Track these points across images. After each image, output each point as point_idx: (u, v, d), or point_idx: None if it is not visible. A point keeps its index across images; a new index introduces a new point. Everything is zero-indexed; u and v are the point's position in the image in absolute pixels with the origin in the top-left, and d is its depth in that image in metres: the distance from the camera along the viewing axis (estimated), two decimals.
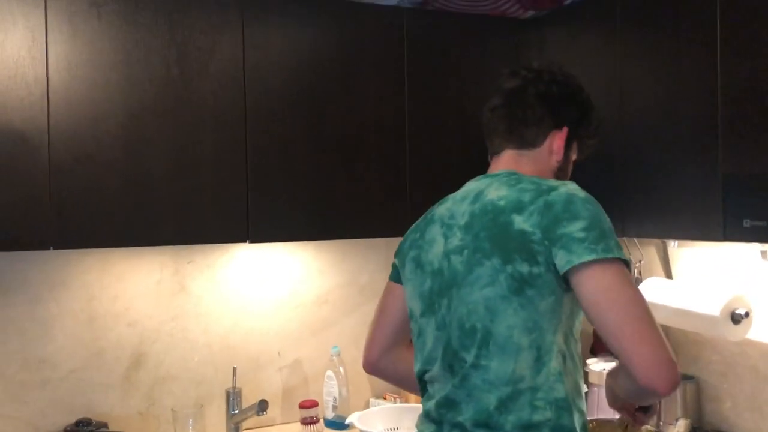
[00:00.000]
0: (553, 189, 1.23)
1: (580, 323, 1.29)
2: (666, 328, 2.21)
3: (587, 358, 2.24)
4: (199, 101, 1.90)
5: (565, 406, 1.20)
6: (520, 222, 1.21)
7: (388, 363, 1.51)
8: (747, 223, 1.55)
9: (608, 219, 1.22)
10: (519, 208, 1.23)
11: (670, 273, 2.19)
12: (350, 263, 2.43)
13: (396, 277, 1.48)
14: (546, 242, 1.18)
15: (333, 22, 2.07)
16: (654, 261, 2.25)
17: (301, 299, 2.37)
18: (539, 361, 1.20)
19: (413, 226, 1.47)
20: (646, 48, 1.88)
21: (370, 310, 1.56)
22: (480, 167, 1.46)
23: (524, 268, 1.19)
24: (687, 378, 2.10)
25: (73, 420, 2.03)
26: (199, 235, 1.92)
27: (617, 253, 1.16)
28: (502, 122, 1.41)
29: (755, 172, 1.55)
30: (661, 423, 2.10)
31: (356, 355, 2.33)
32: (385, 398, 2.41)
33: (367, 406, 2.39)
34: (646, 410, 1.39)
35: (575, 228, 1.17)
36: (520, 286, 1.19)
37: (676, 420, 2.06)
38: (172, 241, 1.91)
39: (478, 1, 2.35)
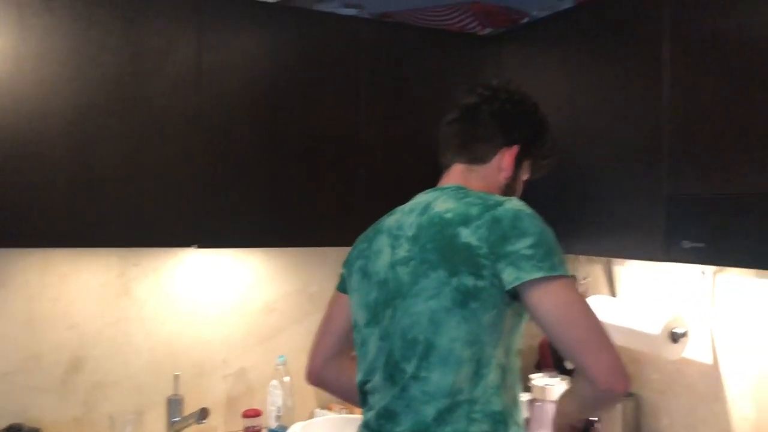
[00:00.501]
0: (499, 204, 1.25)
1: (521, 339, 1.31)
2: None
3: (531, 374, 2.26)
4: (152, 102, 1.87)
5: (502, 419, 1.21)
6: (466, 235, 1.22)
7: (331, 373, 1.50)
8: (687, 245, 1.60)
9: (554, 235, 1.24)
10: (466, 221, 1.24)
11: (614, 291, 2.24)
12: (300, 272, 2.42)
13: (343, 287, 1.48)
14: (492, 257, 1.19)
15: (291, 29, 2.07)
16: (599, 279, 2.29)
17: (249, 307, 2.34)
18: (478, 374, 1.21)
19: (362, 236, 1.47)
20: (598, 70, 1.92)
21: (318, 320, 1.54)
22: (433, 181, 1.46)
23: (469, 281, 1.20)
24: (627, 395, 2.14)
25: (3, 425, 1.96)
26: (146, 238, 1.88)
27: (562, 270, 1.19)
28: (455, 137, 1.43)
29: (696, 195, 1.60)
30: None
31: (303, 365, 2.26)
32: (330, 409, 2.40)
33: (312, 416, 2.37)
34: None
35: (523, 245, 1.19)
36: (464, 299, 1.20)
37: None
38: (118, 243, 1.87)
39: (438, 16, 2.38)
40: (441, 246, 1.24)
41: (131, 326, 2.16)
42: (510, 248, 1.19)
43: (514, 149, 1.41)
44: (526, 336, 1.34)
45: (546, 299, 1.18)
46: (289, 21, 2.07)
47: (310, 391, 2.38)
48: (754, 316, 1.83)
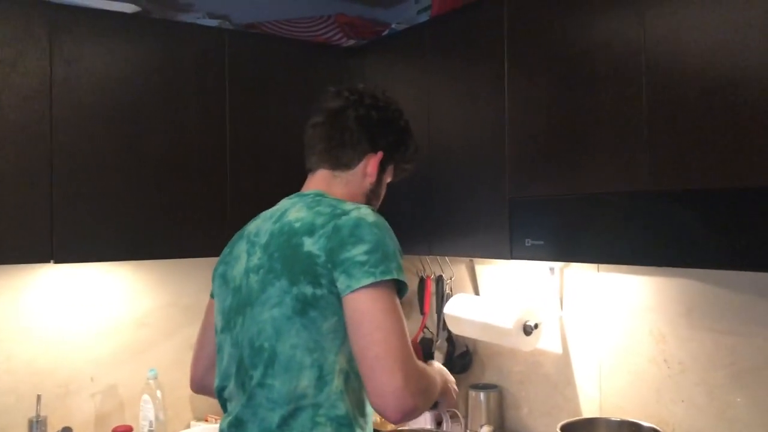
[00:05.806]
0: (345, 213, 1.27)
1: None
2: (474, 341, 2.37)
3: None
4: (1, 114, 1.81)
5: (346, 422, 1.24)
6: (309, 245, 1.25)
7: (212, 380, 1.49)
8: (528, 243, 1.71)
9: (394, 242, 1.26)
10: (311, 231, 1.26)
11: (477, 289, 2.36)
12: (172, 284, 2.39)
13: (213, 292, 1.48)
14: (329, 265, 1.22)
15: (151, 39, 2.05)
16: (464, 277, 2.40)
17: (119, 322, 2.29)
18: (321, 380, 1.23)
19: (230, 241, 1.48)
20: (451, 81, 2.03)
21: (192, 332, 1.54)
22: (299, 188, 1.47)
23: (308, 290, 1.23)
24: (491, 387, 2.26)
25: None
26: None
27: (396, 275, 1.20)
28: (320, 141, 1.43)
29: (534, 197, 1.72)
30: (468, 430, 2.24)
31: (177, 378, 2.29)
32: (206, 420, 2.38)
33: (188, 428, 2.34)
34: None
35: (358, 251, 1.20)
36: (303, 307, 1.23)
37: (481, 426, 2.20)
38: None
39: (303, 28, 2.43)
40: (285, 255, 1.27)
41: None
42: (346, 255, 1.21)
43: (379, 155, 1.42)
44: None
45: (353, 305, 1.18)
46: (148, 31, 2.05)
47: (186, 403, 2.36)
48: (595, 307, 1.99)
